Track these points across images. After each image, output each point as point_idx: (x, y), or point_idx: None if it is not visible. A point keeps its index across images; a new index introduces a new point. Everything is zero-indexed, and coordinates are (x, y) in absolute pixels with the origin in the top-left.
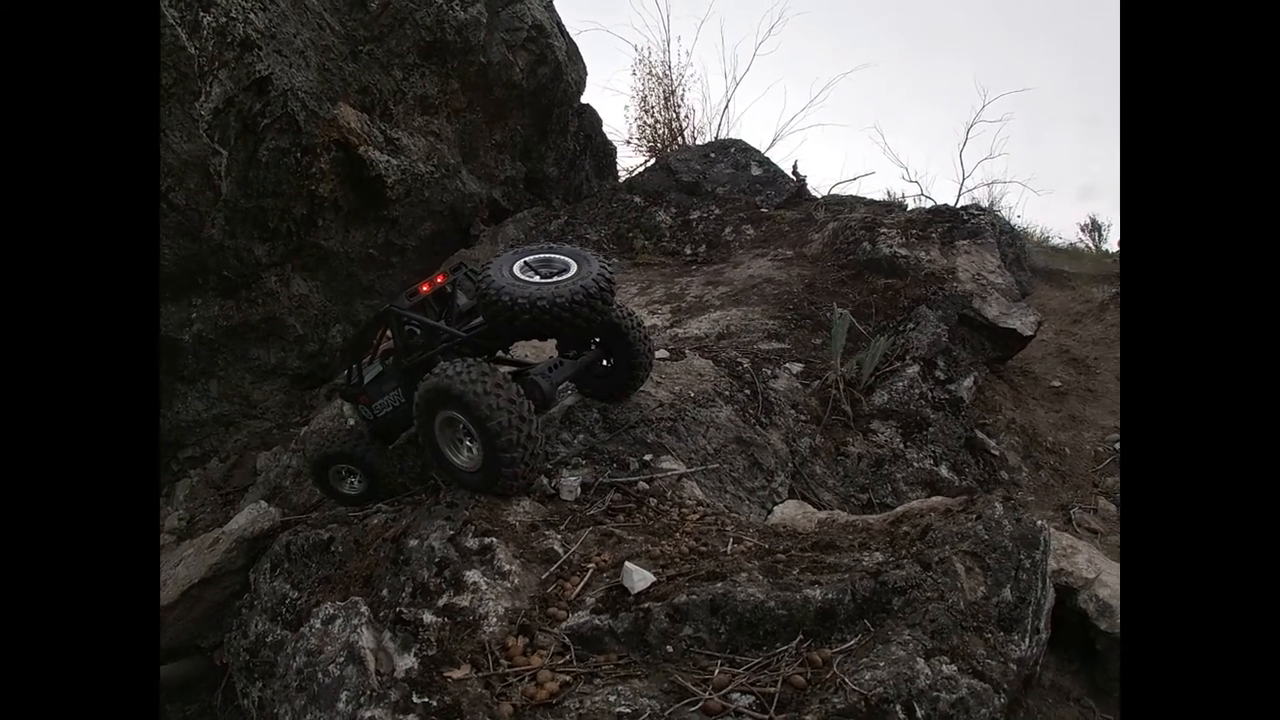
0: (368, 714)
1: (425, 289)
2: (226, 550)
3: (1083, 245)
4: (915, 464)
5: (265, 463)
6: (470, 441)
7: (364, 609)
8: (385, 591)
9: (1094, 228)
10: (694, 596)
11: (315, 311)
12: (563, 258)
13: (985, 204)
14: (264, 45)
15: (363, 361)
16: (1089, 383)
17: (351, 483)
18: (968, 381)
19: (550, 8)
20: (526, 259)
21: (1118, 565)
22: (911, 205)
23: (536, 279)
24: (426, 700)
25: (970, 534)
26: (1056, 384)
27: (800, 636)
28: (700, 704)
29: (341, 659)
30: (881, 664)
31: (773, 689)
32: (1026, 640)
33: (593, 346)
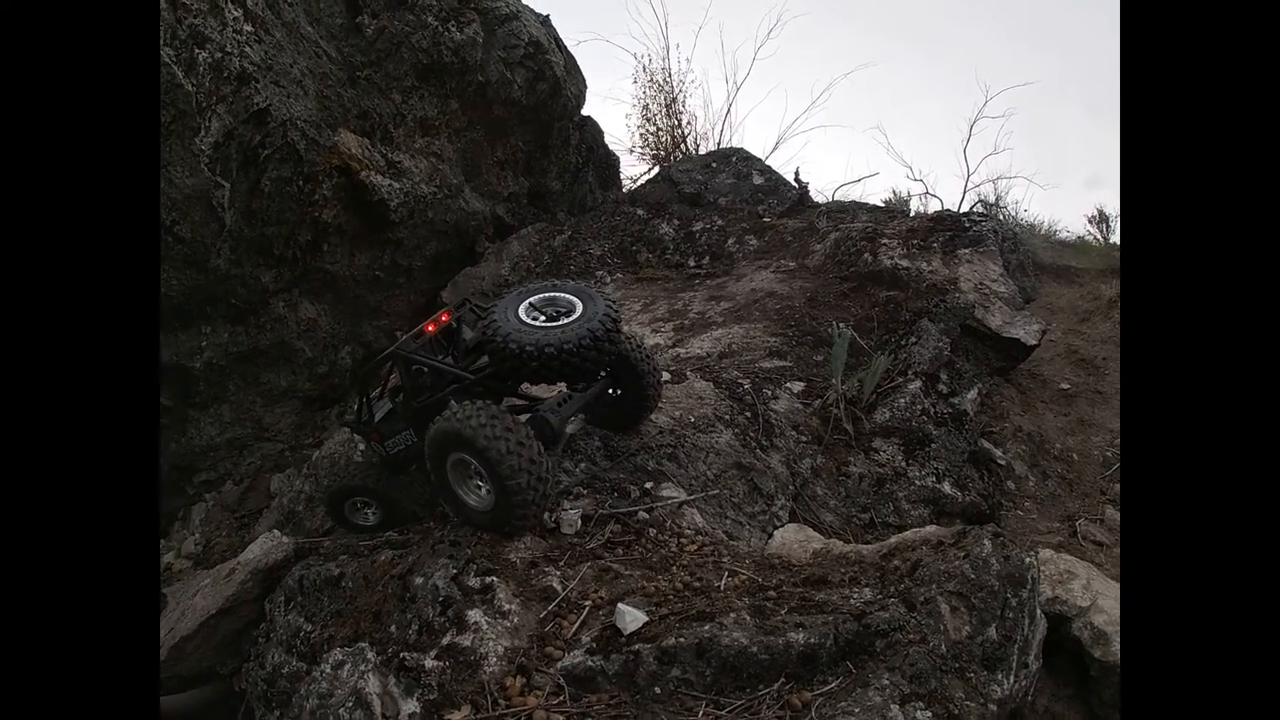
0: None
1: (431, 329)
2: (242, 581)
3: (1090, 238)
4: (917, 482)
5: (279, 485)
6: (481, 481)
7: (370, 655)
8: (393, 628)
9: (1101, 219)
10: (682, 639)
11: (324, 334)
12: (568, 297)
13: (991, 200)
14: (261, 77)
15: (372, 396)
16: (1098, 384)
17: (367, 514)
18: (971, 394)
19: (547, 23)
20: (531, 299)
21: (1116, 586)
22: (916, 206)
23: (542, 321)
24: None
25: (957, 573)
26: (1065, 386)
27: (783, 679)
28: None
29: (350, 704)
30: (857, 710)
31: None
32: (1010, 678)
33: (600, 376)
